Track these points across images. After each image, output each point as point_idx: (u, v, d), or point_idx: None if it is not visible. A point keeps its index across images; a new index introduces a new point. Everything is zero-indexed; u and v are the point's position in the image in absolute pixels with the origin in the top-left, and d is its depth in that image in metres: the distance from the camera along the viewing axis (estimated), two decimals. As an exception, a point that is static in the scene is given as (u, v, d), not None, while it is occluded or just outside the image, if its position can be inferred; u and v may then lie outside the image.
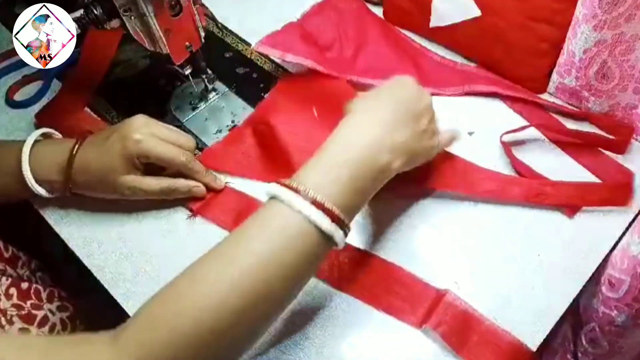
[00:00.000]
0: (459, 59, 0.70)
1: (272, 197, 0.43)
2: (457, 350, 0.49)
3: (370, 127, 0.47)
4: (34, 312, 0.55)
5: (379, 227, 0.57)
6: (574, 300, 0.52)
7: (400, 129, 0.47)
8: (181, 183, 0.57)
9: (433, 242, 0.56)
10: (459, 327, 0.50)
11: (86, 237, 0.59)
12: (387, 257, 0.55)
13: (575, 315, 0.62)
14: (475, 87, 0.67)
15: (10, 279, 0.55)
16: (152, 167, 0.56)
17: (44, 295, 0.58)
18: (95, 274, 0.56)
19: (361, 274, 0.54)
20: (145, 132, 0.54)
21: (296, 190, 0.41)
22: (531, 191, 0.57)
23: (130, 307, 0.54)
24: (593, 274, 0.53)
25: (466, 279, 0.53)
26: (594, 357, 0.61)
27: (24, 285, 0.56)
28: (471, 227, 0.57)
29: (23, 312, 0.54)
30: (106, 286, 0.55)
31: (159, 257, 0.57)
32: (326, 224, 0.41)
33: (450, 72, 0.70)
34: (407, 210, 0.58)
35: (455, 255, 0.55)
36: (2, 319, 0.51)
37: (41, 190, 0.56)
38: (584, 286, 0.53)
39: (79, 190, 0.57)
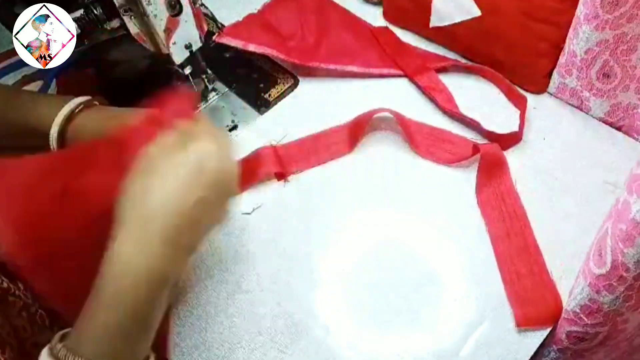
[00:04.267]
0: (456, 58, 0.70)
1: None
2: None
3: (147, 258, 0.36)
4: None
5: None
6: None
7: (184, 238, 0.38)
8: None
9: (432, 243, 0.56)
10: None
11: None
12: (393, 259, 0.55)
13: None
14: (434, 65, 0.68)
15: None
16: None
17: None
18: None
19: None
20: None
21: None
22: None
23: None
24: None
25: (466, 277, 0.53)
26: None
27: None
28: (471, 226, 0.57)
29: None
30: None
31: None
32: None
33: (410, 53, 0.71)
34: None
35: (455, 255, 0.55)
36: None
37: None
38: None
39: None
